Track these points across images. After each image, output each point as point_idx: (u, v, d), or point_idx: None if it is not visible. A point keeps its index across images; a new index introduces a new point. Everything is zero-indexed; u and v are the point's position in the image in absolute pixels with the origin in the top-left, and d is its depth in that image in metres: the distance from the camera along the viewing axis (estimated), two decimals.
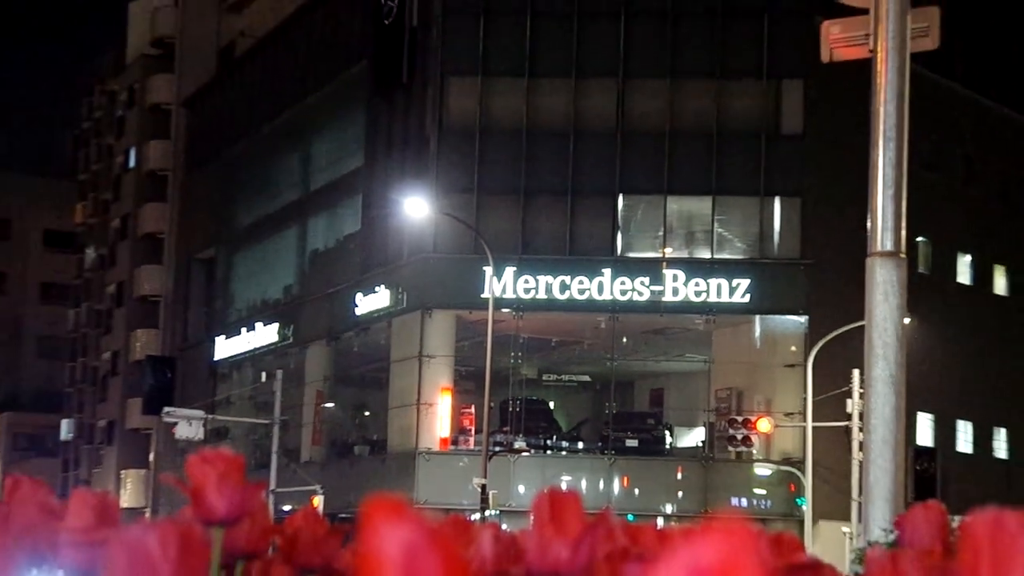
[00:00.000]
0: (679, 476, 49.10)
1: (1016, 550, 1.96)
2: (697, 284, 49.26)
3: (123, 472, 78.67)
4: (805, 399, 43.50)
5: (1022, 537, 1.97)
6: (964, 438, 55.19)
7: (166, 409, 56.51)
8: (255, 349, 63.73)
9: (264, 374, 60.55)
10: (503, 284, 46.12)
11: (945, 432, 53.24)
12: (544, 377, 56.74)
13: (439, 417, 50.77)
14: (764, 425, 47.64)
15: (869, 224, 8.59)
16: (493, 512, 39.32)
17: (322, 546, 3.17)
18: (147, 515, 61.74)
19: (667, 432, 51.78)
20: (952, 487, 46.64)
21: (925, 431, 51.27)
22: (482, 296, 43.43)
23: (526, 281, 49.03)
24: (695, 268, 49.58)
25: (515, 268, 48.35)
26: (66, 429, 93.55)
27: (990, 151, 55.57)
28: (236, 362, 66.39)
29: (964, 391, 52.71)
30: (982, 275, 56.79)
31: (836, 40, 8.89)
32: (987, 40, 56.54)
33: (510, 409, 49.79)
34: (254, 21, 75.83)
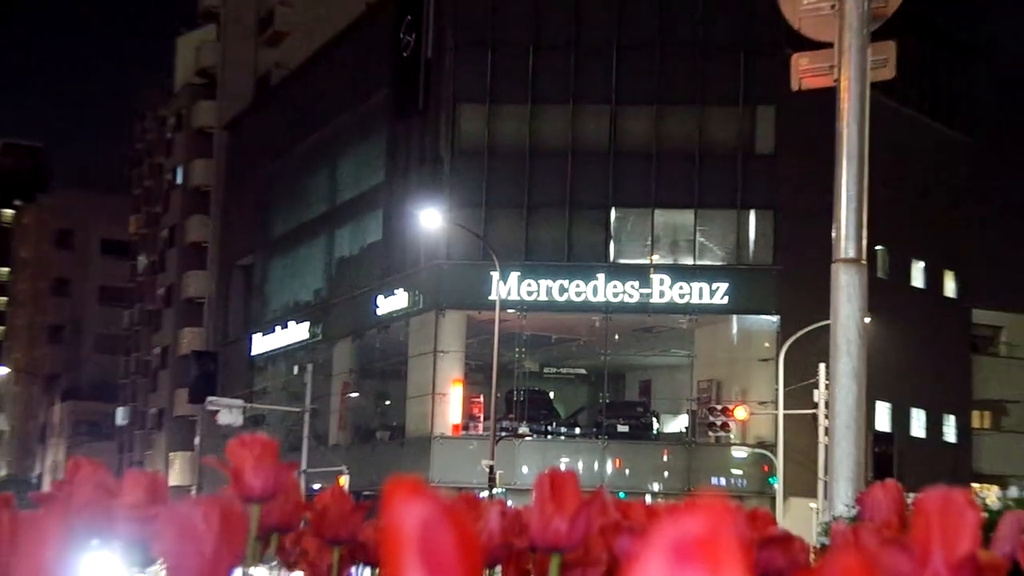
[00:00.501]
0: (665, 458, 49.05)
1: (963, 523, 1.96)
2: (681, 287, 49.23)
3: (171, 454, 78.72)
4: (777, 390, 43.41)
5: (968, 512, 1.97)
6: (917, 424, 55.17)
7: (209, 398, 56.44)
8: (288, 345, 63.73)
9: (296, 367, 60.58)
10: (508, 287, 46.08)
11: (900, 419, 53.22)
12: (545, 370, 56.64)
13: (451, 406, 50.75)
14: (740, 413, 47.60)
15: (834, 234, 8.58)
16: (499, 490, 39.27)
17: (348, 521, 3.17)
18: (192, 493, 61.70)
19: (654, 419, 51.69)
20: (907, 468, 46.61)
21: (883, 418, 51.22)
22: (489, 298, 43.36)
23: (529, 284, 49.01)
24: (679, 273, 49.56)
25: (519, 273, 48.33)
26: (121, 416, 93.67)
27: (940, 169, 55.53)
28: (271, 357, 66.42)
29: (917, 383, 52.67)
30: (933, 280, 56.76)
31: (804, 71, 8.89)
32: (937, 71, 56.57)
33: (514, 399, 49.76)
34: (287, 54, 75.92)
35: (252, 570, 3.78)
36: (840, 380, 8.34)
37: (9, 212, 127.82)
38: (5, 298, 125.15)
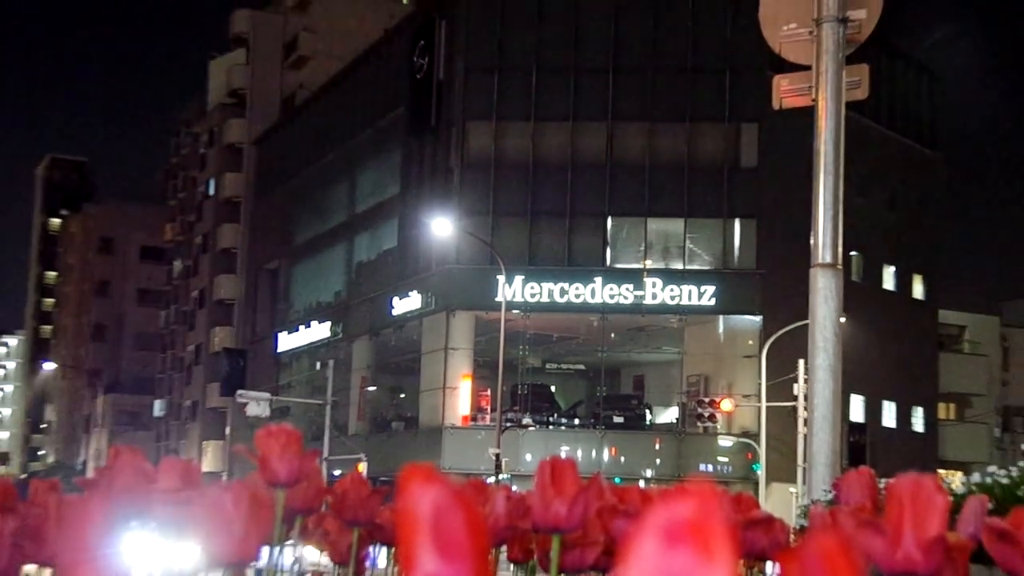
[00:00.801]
0: (657, 447, 48.97)
1: (932, 507, 1.96)
2: (671, 290, 49.19)
3: (204, 443, 78.71)
4: (760, 384, 43.37)
5: (937, 497, 1.96)
6: (888, 415, 55.14)
7: (239, 392, 56.43)
8: (311, 343, 63.72)
9: (318, 363, 60.58)
10: (513, 290, 46.05)
11: (873, 410, 53.20)
12: (547, 366, 56.61)
13: (461, 398, 50.74)
14: (726, 405, 47.55)
15: (812, 241, 8.57)
16: (505, 476, 39.22)
17: (366, 504, 3.17)
18: (223, 478, 61.72)
19: (647, 410, 51.59)
20: (879, 456, 46.65)
21: (857, 410, 51.20)
22: (496, 300, 43.34)
23: (532, 287, 48.97)
24: (670, 277, 49.49)
25: (523, 276, 48.30)
26: (158, 408, 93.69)
27: (908, 182, 55.51)
28: (295, 353, 66.41)
29: (888, 377, 52.64)
30: (903, 283, 56.70)
31: (785, 91, 8.88)
32: (907, 92, 56.55)
33: (519, 392, 49.67)
34: (310, 76, 76.05)
35: (300, 549, 3.77)
36: (818, 375, 8.33)
37: (56, 221, 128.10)
38: (52, 300, 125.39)
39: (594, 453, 47.48)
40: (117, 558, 2.17)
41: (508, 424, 43.77)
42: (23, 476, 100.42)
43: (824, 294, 8.34)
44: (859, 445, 47.37)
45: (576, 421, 51.00)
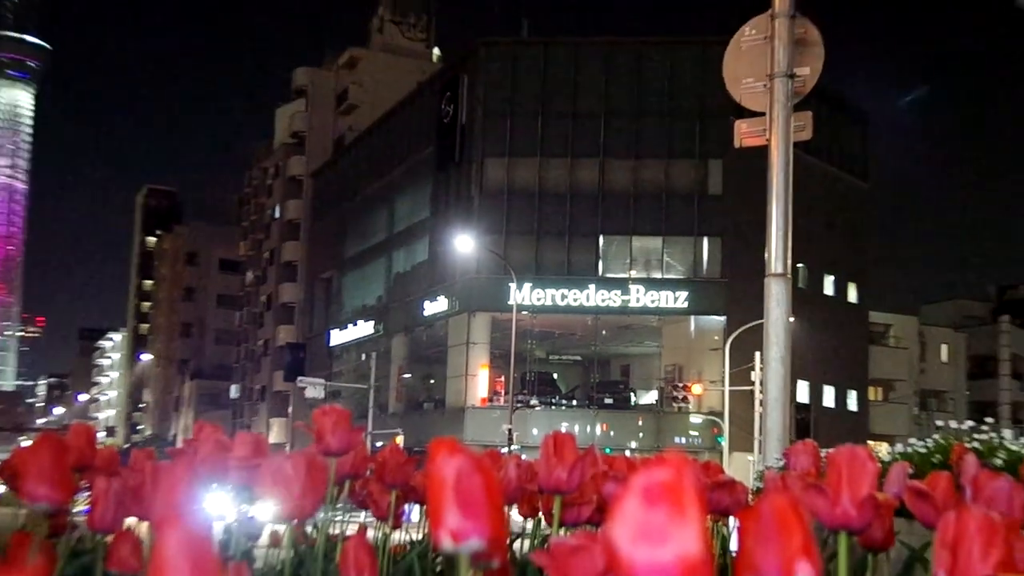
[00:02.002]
0: (640, 423, 48.90)
1: (864, 472, 1.95)
2: (652, 295, 49.14)
3: (271, 420, 78.74)
4: (724, 372, 43.30)
5: (868, 464, 1.96)
6: (828, 397, 54.92)
7: (299, 378, 56.54)
8: (357, 338, 63.72)
9: (363, 355, 60.56)
10: (523, 295, 45.99)
11: (816, 393, 53.00)
12: (550, 357, 56.56)
13: (480, 384, 50.75)
14: (696, 389, 47.53)
15: (766, 255, 8.54)
16: (516, 447, 39.19)
17: (402, 470, 3.16)
18: (286, 449, 61.79)
19: (632, 394, 51.55)
20: (820, 430, 46.34)
21: (803, 393, 51.02)
22: (508, 303, 43.30)
23: (538, 293, 48.95)
24: (651, 285, 49.45)
25: (531, 284, 48.26)
26: (234, 391, 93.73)
27: (843, 206, 55.25)
28: (345, 347, 66.41)
29: (828, 366, 52.48)
30: (840, 289, 56.52)
31: (744, 133, 8.86)
32: (842, 134, 56.42)
33: (527, 378, 49.66)
34: (357, 121, 76.09)
35: (342, 511, 3.75)
36: (771, 365, 8.30)
37: (152, 239, 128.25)
38: (149, 303, 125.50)
39: (588, 428, 47.42)
40: (201, 514, 2.17)
41: (518, 405, 43.78)
42: (125, 446, 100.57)
43: (776, 299, 8.32)
44: (804, 422, 47.27)
45: (574, 402, 50.96)
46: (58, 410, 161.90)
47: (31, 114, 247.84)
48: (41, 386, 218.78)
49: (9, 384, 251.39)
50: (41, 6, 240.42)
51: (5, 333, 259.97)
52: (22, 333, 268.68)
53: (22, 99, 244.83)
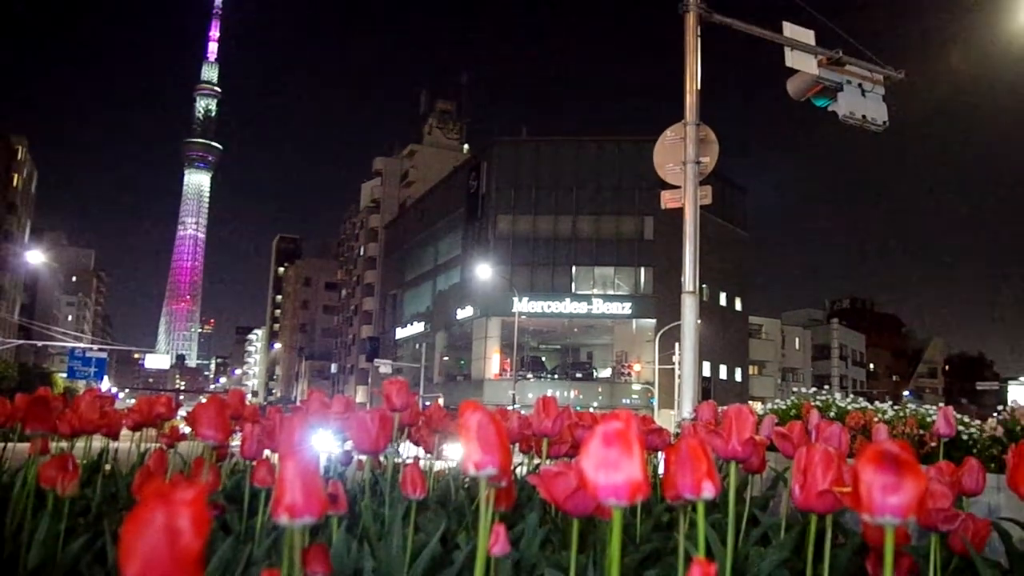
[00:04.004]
0: (599, 390, 48.67)
1: (746, 422, 1.94)
2: (607, 306, 49.06)
3: (357, 387, 78.49)
4: (655, 356, 43.21)
5: (749, 416, 1.95)
6: (723, 373, 54.67)
7: (375, 359, 56.44)
8: (413, 334, 63.51)
9: (417, 344, 60.48)
10: (522, 305, 45.99)
11: (715, 370, 52.82)
12: (540, 346, 56.38)
13: (494, 364, 50.58)
14: (637, 367, 47.29)
15: (682, 279, 8.54)
16: (518, 406, 39.13)
17: (443, 420, 3.15)
18: (367, 407, 61.48)
19: (594, 371, 51.34)
20: (718, 395, 46.11)
21: (706, 369, 50.90)
22: (512, 311, 43.26)
23: (532, 304, 48.78)
24: (607, 299, 49.35)
25: (528, 298, 48.14)
26: (334, 368, 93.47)
27: (732, 247, 55.06)
28: (405, 340, 66.21)
29: (722, 351, 52.40)
30: (729, 301, 56.33)
31: (667, 199, 8.87)
32: (730, 199, 56.41)
33: (525, 361, 49.56)
34: (414, 191, 76.10)
35: (403, 448, 3.73)
36: (685, 351, 8.28)
37: (281, 270, 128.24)
38: (279, 311, 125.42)
39: (565, 394, 47.24)
40: (311, 449, 2.17)
41: (519, 378, 43.70)
42: (264, 404, 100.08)
43: (689, 308, 8.31)
44: (707, 389, 47.11)
45: (556, 376, 50.86)
46: (223, 380, 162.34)
47: (208, 191, 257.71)
48: (212, 364, 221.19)
49: (193, 362, 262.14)
50: (216, 120, 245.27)
51: (191, 329, 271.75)
52: (200, 330, 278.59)
53: (204, 182, 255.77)
